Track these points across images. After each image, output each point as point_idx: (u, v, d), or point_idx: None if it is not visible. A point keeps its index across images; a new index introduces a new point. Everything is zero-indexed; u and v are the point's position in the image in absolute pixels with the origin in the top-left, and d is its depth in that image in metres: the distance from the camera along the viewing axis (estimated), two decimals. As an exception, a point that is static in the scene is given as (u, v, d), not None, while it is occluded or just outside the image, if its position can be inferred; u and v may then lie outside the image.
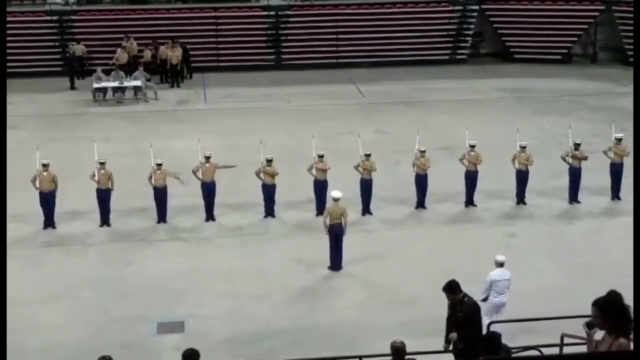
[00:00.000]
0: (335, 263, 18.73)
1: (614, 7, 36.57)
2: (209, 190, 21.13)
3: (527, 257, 18.66)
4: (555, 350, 12.73)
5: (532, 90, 32.73)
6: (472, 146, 21.77)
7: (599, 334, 8.55)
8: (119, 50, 33.70)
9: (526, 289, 16.70)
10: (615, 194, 22.19)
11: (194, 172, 21.23)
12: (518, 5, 37.41)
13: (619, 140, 22.05)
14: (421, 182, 21.61)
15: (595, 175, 22.21)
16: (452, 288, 13.21)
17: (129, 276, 18.53)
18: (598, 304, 8.29)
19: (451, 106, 30.51)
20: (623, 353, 6.96)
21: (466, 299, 13.17)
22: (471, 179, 21.78)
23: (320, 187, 21.19)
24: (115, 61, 33.07)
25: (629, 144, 21.74)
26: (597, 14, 37.18)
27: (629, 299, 8.66)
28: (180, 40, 34.15)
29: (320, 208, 20.65)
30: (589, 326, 9.03)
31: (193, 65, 34.94)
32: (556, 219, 21.41)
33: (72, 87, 33.21)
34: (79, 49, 34.01)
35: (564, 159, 22.02)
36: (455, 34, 37.15)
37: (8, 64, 32.28)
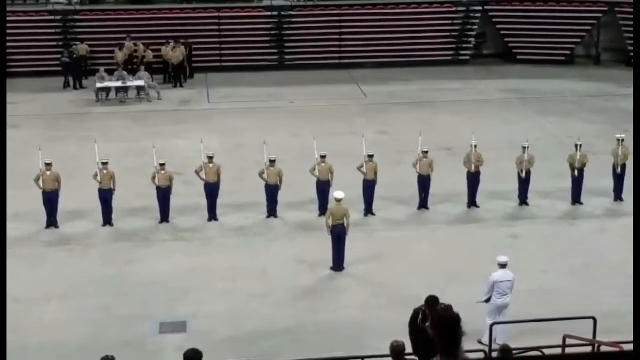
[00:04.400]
0: (338, 263, 18.72)
1: (617, 9, 36.54)
2: (211, 191, 21.13)
3: (530, 258, 18.64)
4: (557, 352, 12.73)
5: (534, 91, 32.69)
6: (475, 147, 21.75)
7: None
8: (116, 50, 33.79)
9: (528, 289, 16.70)
10: (618, 195, 22.18)
11: (197, 173, 21.23)
12: (521, 6, 37.39)
13: (621, 141, 22.03)
14: (424, 183, 21.61)
15: (598, 177, 22.19)
16: (438, 300, 12.68)
17: (131, 275, 18.51)
18: (433, 320, 7.63)
19: (454, 107, 30.50)
20: (624, 353, 6.96)
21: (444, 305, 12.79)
22: (473, 179, 21.76)
23: (323, 188, 21.19)
24: (118, 61, 33.18)
25: (630, 145, 21.77)
26: (600, 15, 37.17)
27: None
28: (184, 41, 34.15)
29: (323, 209, 20.67)
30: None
31: (196, 65, 34.97)
32: (558, 220, 21.38)
33: (76, 87, 33.23)
34: (82, 48, 34.06)
35: (571, 164, 21.88)
36: (458, 34, 37.13)
37: (11, 64, 32.42)
